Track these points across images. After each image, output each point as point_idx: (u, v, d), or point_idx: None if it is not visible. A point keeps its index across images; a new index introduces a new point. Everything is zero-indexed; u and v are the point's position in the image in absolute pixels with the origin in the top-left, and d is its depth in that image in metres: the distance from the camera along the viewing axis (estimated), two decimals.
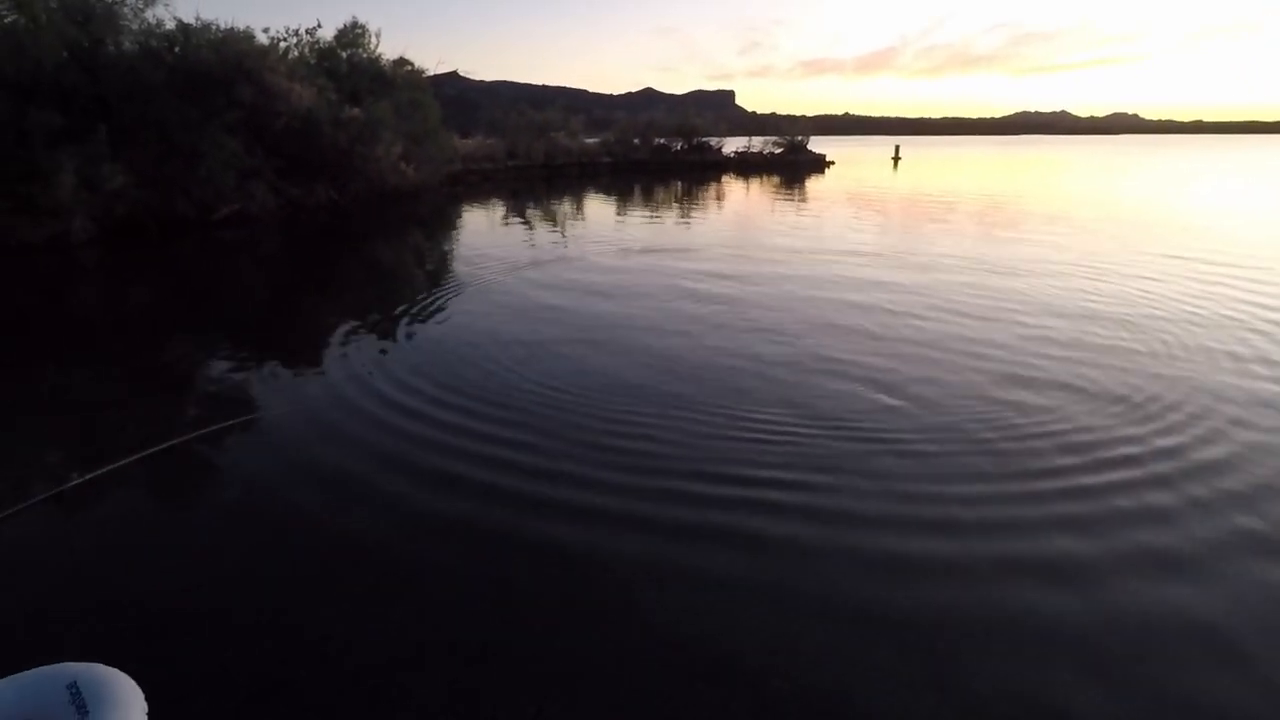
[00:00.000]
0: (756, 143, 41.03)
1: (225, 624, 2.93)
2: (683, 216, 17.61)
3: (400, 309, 8.43)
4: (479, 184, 26.77)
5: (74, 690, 2.06)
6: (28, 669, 2.17)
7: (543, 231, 14.85)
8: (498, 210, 19.37)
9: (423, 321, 7.91)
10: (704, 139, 38.07)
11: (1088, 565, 3.29)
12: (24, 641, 2.85)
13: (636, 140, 36.32)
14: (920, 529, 3.60)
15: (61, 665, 2.16)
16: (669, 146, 37.21)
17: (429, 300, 8.87)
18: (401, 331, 7.47)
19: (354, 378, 6.01)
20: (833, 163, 39.93)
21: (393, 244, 14.25)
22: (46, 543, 3.57)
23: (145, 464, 4.34)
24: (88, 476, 2.91)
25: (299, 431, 4.87)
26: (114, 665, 2.20)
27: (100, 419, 5.24)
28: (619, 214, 18.46)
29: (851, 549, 3.43)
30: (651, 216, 17.67)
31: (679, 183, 29.12)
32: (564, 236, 14.09)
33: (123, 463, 3.97)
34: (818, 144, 42.48)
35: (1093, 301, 8.45)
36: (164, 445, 4.37)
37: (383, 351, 6.75)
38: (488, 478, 4.17)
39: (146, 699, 2.13)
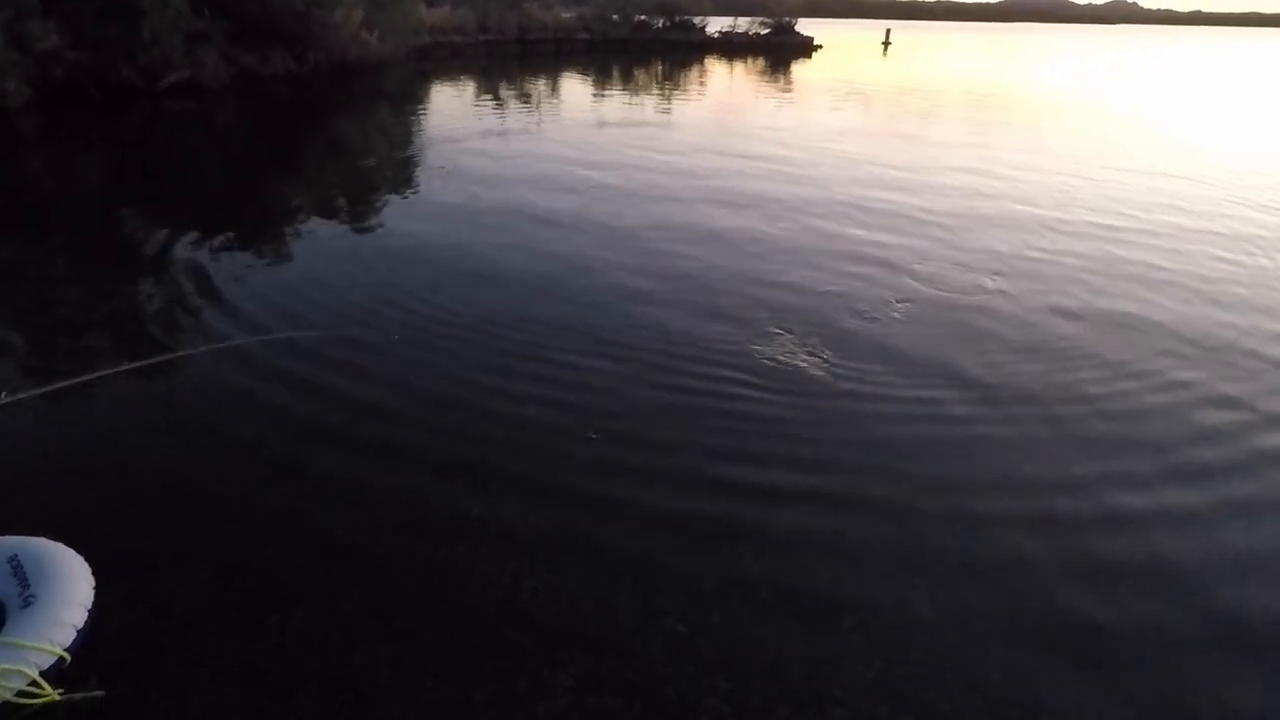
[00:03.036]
0: (742, 23, 38.88)
1: (187, 510, 2.97)
2: (661, 105, 16.91)
3: (368, 190, 8.18)
4: (448, 59, 25.30)
5: (15, 563, 2.13)
6: None
7: (515, 117, 14.23)
8: (468, 88, 18.44)
9: (391, 206, 7.70)
10: (687, 17, 35.99)
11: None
12: None
13: (615, 16, 34.24)
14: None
15: (1, 538, 2.22)
16: (650, 24, 35.18)
17: (396, 181, 8.60)
18: (372, 216, 7.28)
19: (315, 277, 5.91)
20: (820, 46, 38.16)
21: (357, 120, 13.62)
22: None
23: (110, 350, 4.31)
24: (63, 385, 2.86)
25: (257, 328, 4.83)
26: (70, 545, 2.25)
27: (57, 297, 5.13)
28: (595, 99, 17.68)
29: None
30: (628, 104, 16.96)
31: (660, 64, 27.76)
32: (538, 123, 13.53)
33: (95, 375, 3.93)
34: (806, 26, 40.45)
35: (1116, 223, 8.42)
36: (131, 365, 4.31)
37: (352, 237, 6.60)
38: (445, 363, 4.22)
39: (98, 577, 2.20)
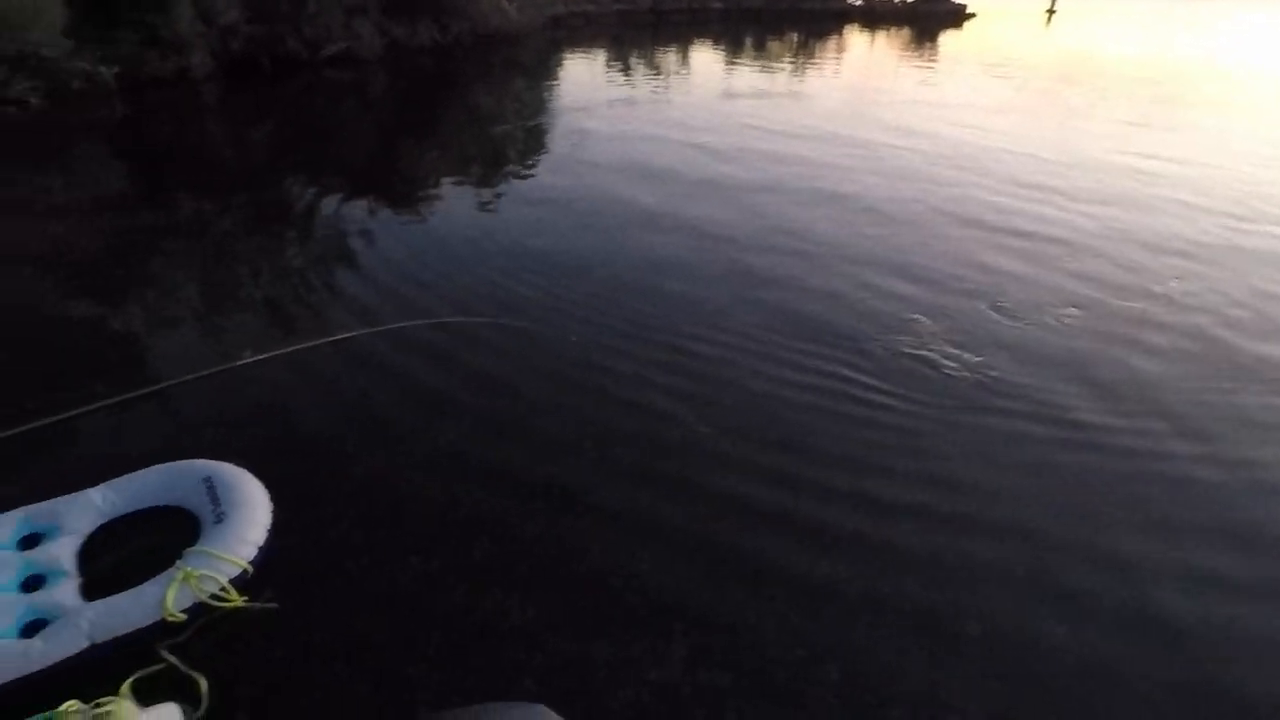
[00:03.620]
0: None
1: (345, 459, 3.25)
2: (793, 77, 16.40)
3: (499, 160, 8.52)
4: (581, 28, 25.59)
5: (208, 483, 2.45)
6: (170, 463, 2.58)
7: (643, 87, 14.26)
8: (599, 58, 18.63)
9: (519, 177, 7.98)
10: None
11: None
12: (169, 452, 3.28)
13: None
14: None
15: (200, 461, 2.55)
16: None
17: (526, 152, 8.89)
18: (500, 186, 7.59)
19: (444, 251, 6.22)
20: (973, 15, 35.58)
21: (494, 90, 14.10)
22: (180, 352, 4.05)
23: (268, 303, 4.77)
24: (255, 357, 3.23)
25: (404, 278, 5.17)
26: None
27: (218, 241, 5.73)
28: (725, 69, 17.40)
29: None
30: (758, 75, 16.55)
31: (795, 35, 26.89)
32: (666, 92, 13.51)
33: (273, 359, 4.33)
34: None
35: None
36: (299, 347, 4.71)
37: (480, 208, 6.92)
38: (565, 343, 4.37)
39: (275, 504, 2.48)
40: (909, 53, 22.29)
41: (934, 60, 20.46)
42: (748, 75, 15.88)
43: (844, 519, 2.99)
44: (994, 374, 4.06)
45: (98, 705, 1.44)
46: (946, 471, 3.31)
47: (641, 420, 3.57)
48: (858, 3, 35.30)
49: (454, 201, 6.95)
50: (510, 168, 8.14)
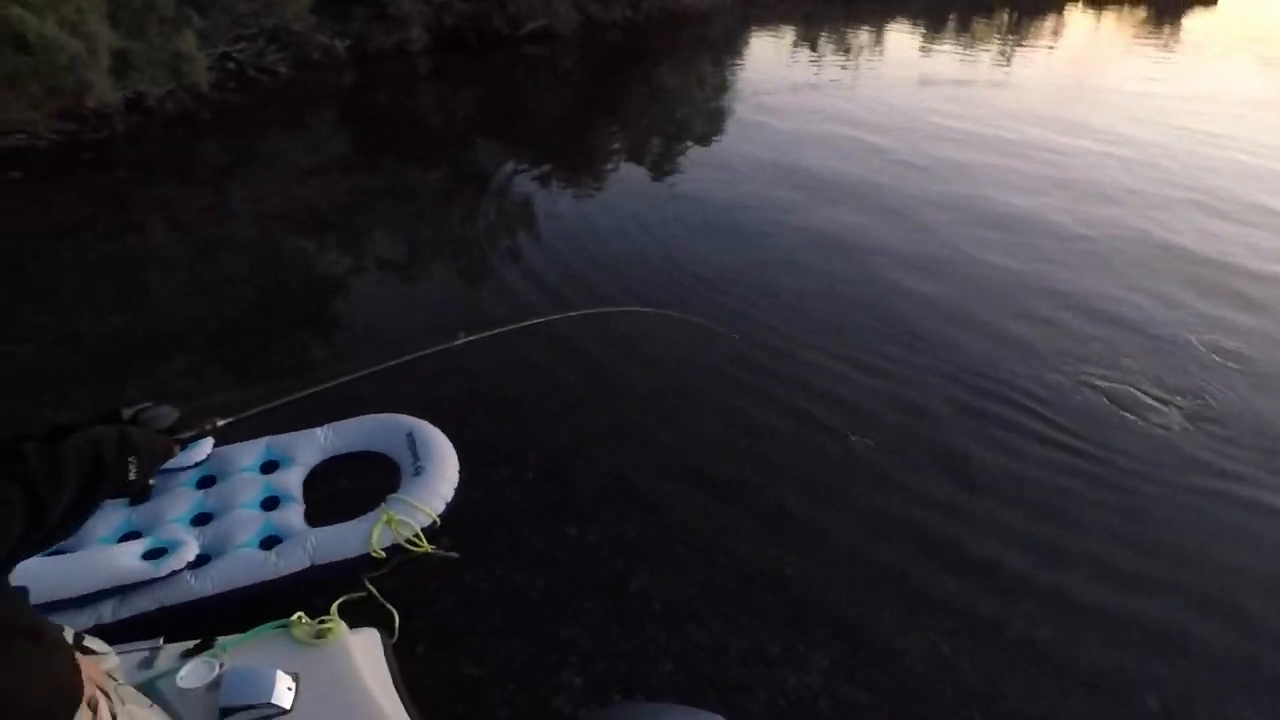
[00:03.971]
0: None
1: (522, 427, 3.53)
2: (997, 62, 15.09)
3: (678, 140, 8.64)
4: (772, 6, 24.99)
5: (410, 437, 2.77)
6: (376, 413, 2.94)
7: (830, 71, 13.76)
8: (786, 37, 18.17)
9: (695, 159, 8.04)
10: None
11: None
12: (371, 393, 3.70)
13: None
14: None
15: (404, 416, 2.89)
16: None
17: (705, 134, 8.94)
18: (676, 169, 7.70)
19: (630, 216, 6.40)
20: None
21: (679, 69, 14.22)
22: (383, 311, 4.53)
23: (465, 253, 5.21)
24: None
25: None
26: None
27: (424, 206, 6.30)
28: (921, 52, 16.36)
29: None
30: (959, 60, 15.39)
31: (1006, 13, 24.64)
32: (853, 77, 12.96)
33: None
34: None
35: None
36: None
37: (656, 191, 7.07)
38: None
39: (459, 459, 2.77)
40: (1142, 35, 19.78)
41: (1174, 44, 18.02)
42: (946, 60, 14.85)
43: (1017, 560, 2.84)
44: (1208, 427, 3.63)
45: (321, 621, 1.71)
46: (1142, 529, 3.03)
47: (800, 425, 3.56)
48: None
49: (632, 183, 7.15)
50: (687, 152, 8.22)
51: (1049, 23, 22.27)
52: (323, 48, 11.76)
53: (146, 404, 1.19)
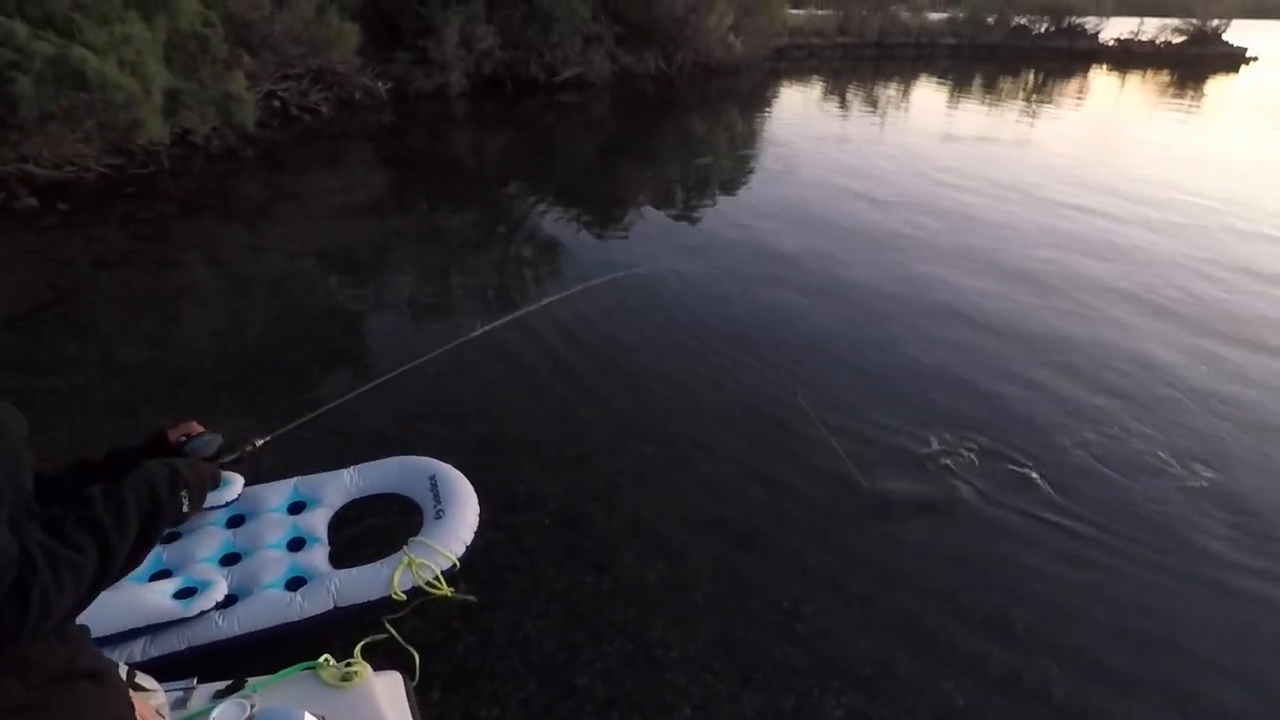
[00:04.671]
0: (1150, 26, 32.94)
1: (544, 458, 3.62)
2: (1022, 121, 15.29)
3: (702, 185, 8.82)
4: (803, 60, 25.61)
5: (433, 480, 2.82)
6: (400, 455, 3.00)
7: (857, 122, 14.01)
8: (815, 91, 18.56)
9: (717, 205, 8.19)
10: (1078, 20, 31.68)
11: None
12: (404, 440, 3.79)
13: (991, 20, 31.46)
14: None
15: (428, 459, 2.94)
16: (1029, 29, 31.68)
17: (729, 182, 9.11)
18: (699, 211, 7.84)
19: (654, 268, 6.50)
20: (1255, 59, 31.02)
21: (708, 118, 14.55)
22: (412, 351, 4.63)
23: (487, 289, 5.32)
24: (469, 335, 3.73)
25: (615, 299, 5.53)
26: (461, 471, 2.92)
27: (451, 250, 6.45)
28: (947, 109, 16.61)
29: None
30: (983, 118, 15.61)
31: (1032, 75, 24.99)
32: (879, 131, 13.18)
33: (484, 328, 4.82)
34: (1241, 32, 33.11)
35: None
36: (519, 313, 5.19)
37: (677, 232, 7.20)
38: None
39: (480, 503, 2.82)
40: (1165, 99, 19.94)
41: (1195, 106, 18.15)
42: (971, 117, 15.07)
43: (1030, 616, 2.81)
44: (1230, 516, 3.58)
45: (348, 664, 1.75)
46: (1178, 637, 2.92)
47: (816, 476, 3.57)
48: (1110, 43, 32.11)
49: (655, 230, 7.28)
50: (708, 201, 8.38)
51: (1073, 83, 22.57)
52: (365, 89, 12.23)
53: (191, 433, 1.23)
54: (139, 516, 0.95)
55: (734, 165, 10.33)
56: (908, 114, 15.27)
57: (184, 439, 1.21)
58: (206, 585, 2.26)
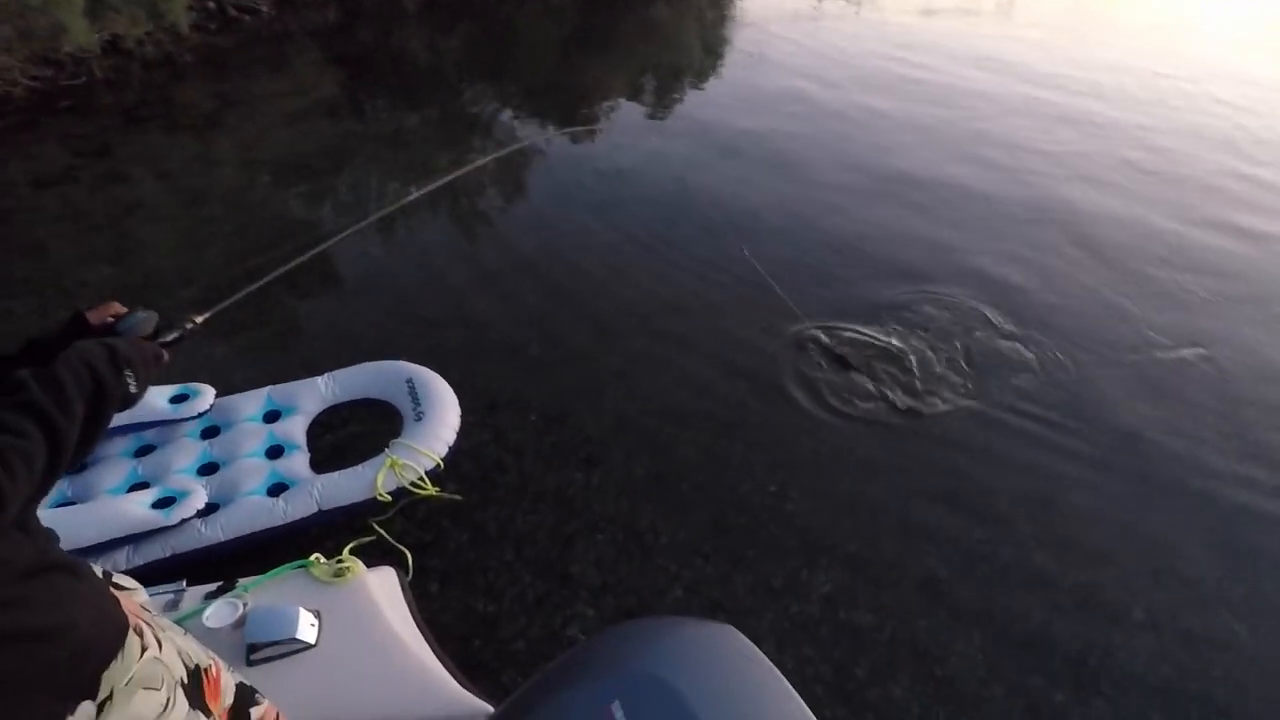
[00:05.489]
0: None
1: (523, 359, 3.56)
2: None
3: (672, 76, 8.42)
4: None
5: (410, 383, 2.76)
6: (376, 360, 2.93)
7: (829, 2, 13.30)
8: None
9: (690, 97, 7.85)
10: None
11: None
12: (371, 341, 3.69)
13: None
14: None
15: (403, 363, 2.87)
16: None
17: (701, 70, 8.70)
18: (671, 106, 7.52)
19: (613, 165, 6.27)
20: None
21: (676, 6, 13.75)
22: (382, 258, 4.49)
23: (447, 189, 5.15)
24: (405, 200, 3.58)
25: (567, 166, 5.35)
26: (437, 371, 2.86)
27: (414, 153, 6.16)
28: None
29: None
30: None
31: None
32: (854, 8, 12.55)
33: (430, 188, 4.66)
34: None
35: None
36: (456, 173, 5.02)
37: (651, 128, 6.92)
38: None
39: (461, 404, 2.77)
40: None
41: None
42: None
43: (1014, 489, 2.89)
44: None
45: (338, 561, 1.74)
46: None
47: (801, 367, 3.57)
48: None
49: (620, 128, 6.97)
50: (673, 94, 8.00)
51: None
52: None
53: (115, 313, 1.11)
54: (83, 397, 0.87)
55: (702, 53, 9.85)
56: None
57: (111, 320, 1.09)
58: (185, 494, 2.22)
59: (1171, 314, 4.03)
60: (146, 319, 1.10)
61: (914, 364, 3.53)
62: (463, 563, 2.57)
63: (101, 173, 5.57)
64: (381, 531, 2.40)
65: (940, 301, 4.03)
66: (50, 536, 0.97)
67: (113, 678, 0.93)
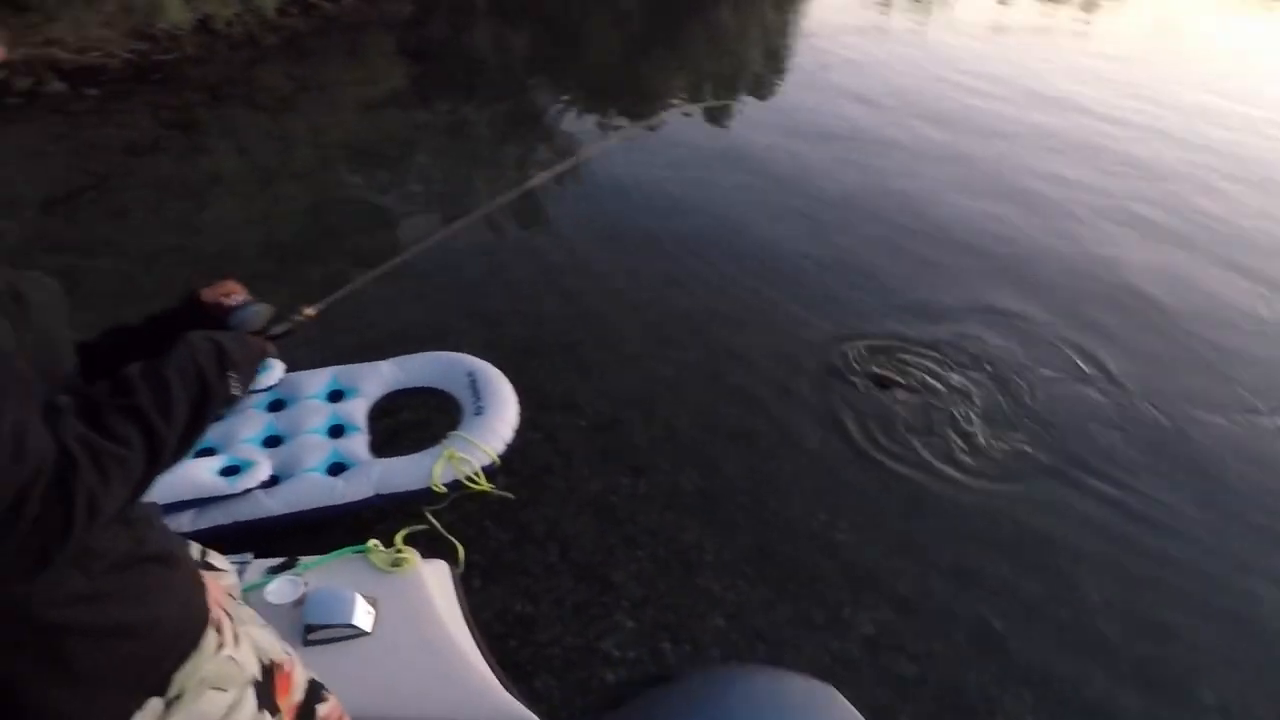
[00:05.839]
0: None
1: (579, 361, 3.59)
2: (1088, 6, 14.18)
3: (732, 83, 8.40)
4: None
5: (472, 377, 2.80)
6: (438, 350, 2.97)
7: (898, 14, 13.14)
8: None
9: (749, 105, 7.81)
10: None
11: None
12: (431, 330, 3.75)
13: None
14: None
15: (466, 356, 2.91)
16: None
17: (761, 80, 8.66)
18: (730, 115, 7.49)
19: (670, 176, 6.25)
20: None
21: (741, 10, 13.73)
22: (447, 250, 4.54)
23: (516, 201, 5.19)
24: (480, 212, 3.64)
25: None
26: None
27: (478, 147, 6.25)
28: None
29: None
30: (1044, 5, 14.51)
31: None
32: (922, 22, 12.36)
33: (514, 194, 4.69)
34: None
35: None
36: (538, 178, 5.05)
37: (708, 136, 6.90)
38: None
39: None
40: None
41: None
42: (1028, 4, 14.02)
43: (1075, 540, 2.80)
44: None
45: (398, 551, 1.77)
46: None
47: (858, 395, 3.52)
48: None
49: (682, 135, 6.96)
50: (736, 98, 7.97)
51: None
52: None
53: (230, 293, 1.11)
54: (187, 401, 0.86)
55: (765, 62, 9.82)
56: (954, 5, 14.26)
57: (226, 304, 1.09)
58: (250, 465, 2.28)
59: (1272, 378, 3.85)
60: (260, 311, 1.09)
61: (979, 400, 3.45)
62: (505, 561, 2.58)
63: (186, 145, 5.78)
64: (435, 522, 2.43)
65: (1015, 334, 3.95)
66: (150, 520, 0.97)
67: (185, 676, 0.93)
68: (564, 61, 9.58)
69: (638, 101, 8.02)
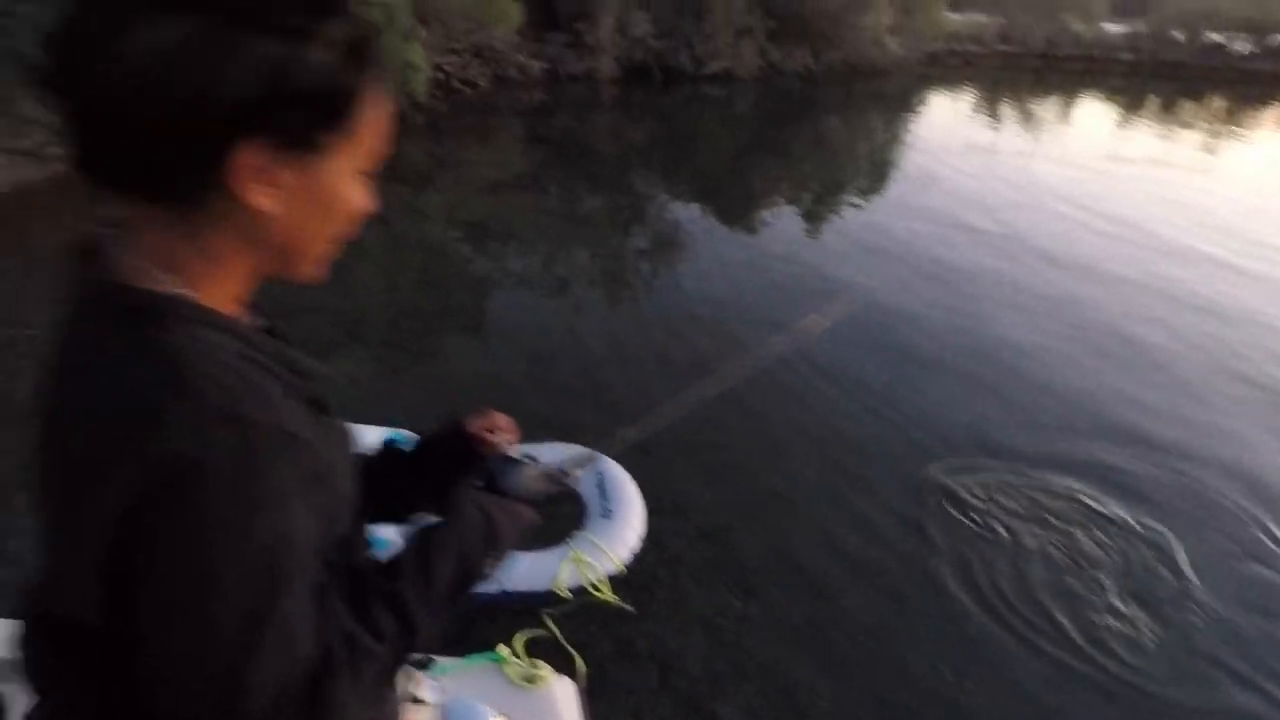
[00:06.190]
0: None
1: (695, 463, 3.56)
2: (1205, 146, 13.78)
3: (832, 192, 8.52)
4: (958, 68, 24.23)
5: (599, 478, 2.80)
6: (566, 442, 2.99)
7: (1009, 136, 13.14)
8: (967, 99, 17.53)
9: (851, 212, 7.85)
10: None
11: None
12: (544, 415, 3.83)
13: (1179, 34, 28.55)
14: None
15: (593, 451, 2.91)
16: (1224, 47, 28.51)
17: (864, 188, 8.74)
18: (831, 217, 7.55)
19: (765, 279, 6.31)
20: None
21: (851, 122, 14.06)
22: (568, 335, 4.68)
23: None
24: None
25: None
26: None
27: (593, 233, 6.51)
28: (1116, 128, 15.29)
29: None
30: (1159, 139, 14.22)
31: (1221, 98, 22.53)
32: (1032, 144, 12.29)
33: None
34: None
35: None
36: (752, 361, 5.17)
37: (807, 234, 6.96)
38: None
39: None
40: None
41: None
42: (1143, 137, 13.81)
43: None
44: None
45: (533, 665, 1.74)
46: None
47: (979, 534, 3.34)
48: None
49: (784, 226, 7.06)
50: (840, 203, 8.05)
51: (1273, 111, 20.23)
52: (520, 67, 12.54)
53: (496, 427, 0.97)
54: (449, 592, 0.78)
55: (869, 172, 9.93)
56: (1066, 129, 14.18)
57: (493, 445, 0.96)
58: (383, 544, 2.32)
59: None
60: (536, 478, 0.95)
61: (1137, 571, 3.15)
62: (606, 677, 2.49)
63: None
64: (555, 631, 2.39)
65: (1180, 496, 3.63)
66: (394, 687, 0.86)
67: None
68: (679, 159, 9.99)
69: (736, 200, 8.22)
